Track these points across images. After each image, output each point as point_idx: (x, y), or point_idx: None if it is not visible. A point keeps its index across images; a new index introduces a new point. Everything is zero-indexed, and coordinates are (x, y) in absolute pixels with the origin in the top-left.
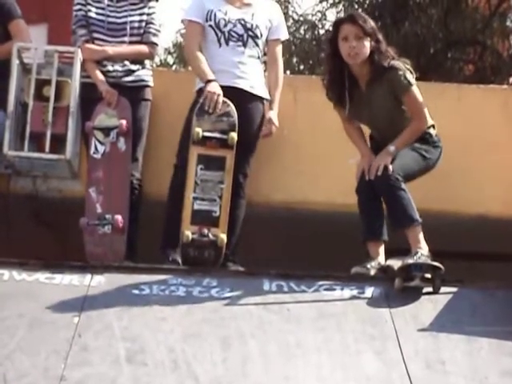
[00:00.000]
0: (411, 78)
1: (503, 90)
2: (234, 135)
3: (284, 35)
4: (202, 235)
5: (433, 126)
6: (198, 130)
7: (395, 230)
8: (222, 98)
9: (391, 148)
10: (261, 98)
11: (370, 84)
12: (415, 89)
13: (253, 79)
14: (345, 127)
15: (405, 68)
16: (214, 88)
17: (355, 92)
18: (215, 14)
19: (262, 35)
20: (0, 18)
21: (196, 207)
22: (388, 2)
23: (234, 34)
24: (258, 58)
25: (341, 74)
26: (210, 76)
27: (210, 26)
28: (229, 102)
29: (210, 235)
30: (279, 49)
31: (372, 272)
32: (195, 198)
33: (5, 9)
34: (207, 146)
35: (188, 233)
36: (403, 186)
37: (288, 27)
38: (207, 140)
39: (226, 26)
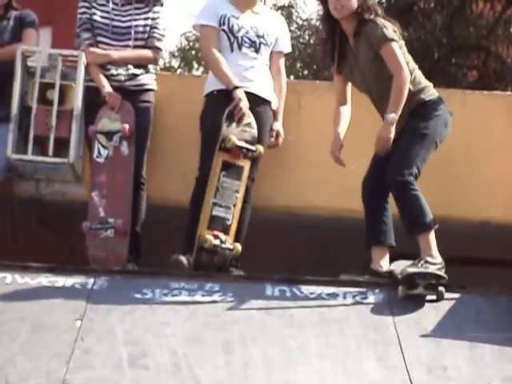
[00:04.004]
0: (391, 34)
1: (507, 96)
2: (261, 149)
3: (288, 49)
4: (221, 242)
5: (422, 90)
6: (234, 139)
7: (407, 236)
8: (247, 110)
9: (389, 116)
10: (270, 103)
11: (356, 39)
12: (394, 45)
13: (263, 84)
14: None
15: (388, 25)
16: (243, 97)
17: (347, 51)
18: (229, 19)
19: (271, 44)
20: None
21: (214, 213)
22: (392, 7)
23: (247, 39)
24: (267, 64)
25: (334, 35)
26: (236, 82)
27: (223, 30)
28: (250, 112)
29: (227, 243)
30: (282, 61)
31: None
32: (214, 204)
33: (27, 19)
34: (232, 154)
35: (211, 238)
36: (414, 189)
37: (292, 32)
38: (236, 148)
39: (239, 31)
